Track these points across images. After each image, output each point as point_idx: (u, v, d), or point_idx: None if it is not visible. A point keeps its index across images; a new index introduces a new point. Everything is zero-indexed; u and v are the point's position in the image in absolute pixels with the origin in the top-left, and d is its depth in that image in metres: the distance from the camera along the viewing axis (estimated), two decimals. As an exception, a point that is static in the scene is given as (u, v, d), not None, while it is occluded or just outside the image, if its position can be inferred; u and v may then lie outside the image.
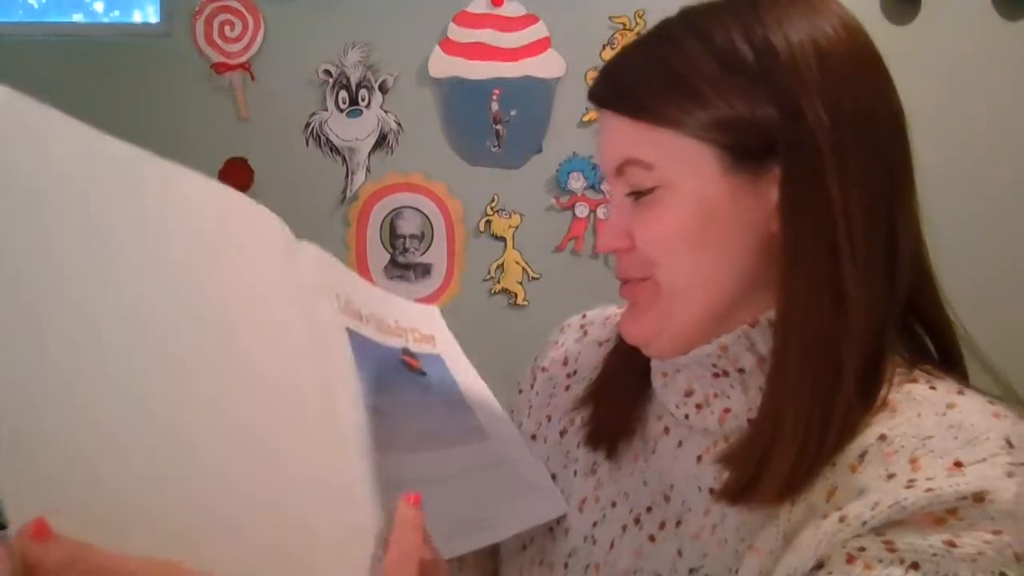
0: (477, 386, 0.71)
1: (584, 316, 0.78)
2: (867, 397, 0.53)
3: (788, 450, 0.52)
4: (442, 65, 2.11)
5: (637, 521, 0.62)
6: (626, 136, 0.58)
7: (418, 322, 0.69)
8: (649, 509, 0.62)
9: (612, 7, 2.10)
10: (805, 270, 0.54)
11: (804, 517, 0.52)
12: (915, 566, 0.47)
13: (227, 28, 2.12)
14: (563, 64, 2.10)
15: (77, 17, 2.26)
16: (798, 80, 0.54)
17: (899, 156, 0.57)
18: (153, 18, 2.19)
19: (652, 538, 0.60)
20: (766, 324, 0.57)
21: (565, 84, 2.11)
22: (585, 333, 0.75)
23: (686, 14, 0.58)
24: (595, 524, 0.64)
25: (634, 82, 0.58)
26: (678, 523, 0.59)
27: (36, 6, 2.24)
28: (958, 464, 0.48)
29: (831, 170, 0.53)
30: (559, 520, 0.67)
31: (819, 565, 0.49)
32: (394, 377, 0.61)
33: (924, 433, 0.50)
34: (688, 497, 0.59)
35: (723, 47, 0.55)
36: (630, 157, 0.57)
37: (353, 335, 0.57)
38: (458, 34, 2.11)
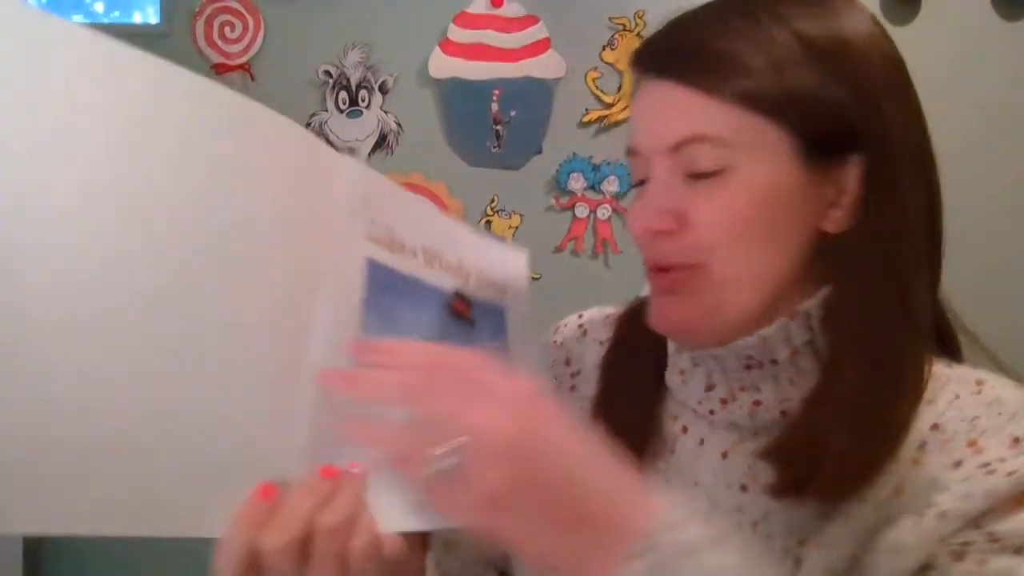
0: (528, 356, 0.64)
1: (580, 316, 0.77)
2: (917, 392, 0.54)
3: (845, 445, 0.52)
4: (442, 65, 2.11)
5: None
6: (694, 110, 0.54)
7: (493, 265, 0.61)
8: None
9: (612, 8, 2.10)
10: (877, 271, 0.54)
11: (876, 514, 0.52)
12: (1019, 551, 0.48)
13: (227, 29, 2.12)
14: (563, 65, 2.10)
15: (77, 18, 2.25)
16: (870, 73, 0.54)
17: (934, 164, 0.58)
18: (153, 19, 2.19)
19: None
20: (804, 317, 0.56)
21: (565, 85, 2.11)
22: (584, 333, 0.75)
23: None
24: None
25: (706, 52, 0.54)
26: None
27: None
28: (1016, 440, 0.50)
29: (907, 171, 0.54)
30: None
31: (923, 566, 0.49)
32: (428, 321, 0.55)
33: (970, 414, 0.52)
34: (715, 494, 0.58)
35: (801, 28, 0.54)
36: (697, 133, 0.54)
37: (376, 268, 0.52)
38: (458, 35, 2.11)
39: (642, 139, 0.57)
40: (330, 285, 0.49)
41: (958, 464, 0.50)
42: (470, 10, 2.11)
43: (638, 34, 2.07)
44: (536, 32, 2.11)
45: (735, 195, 0.53)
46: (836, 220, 0.56)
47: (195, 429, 0.43)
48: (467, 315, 0.58)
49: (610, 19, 2.10)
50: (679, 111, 0.54)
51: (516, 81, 2.11)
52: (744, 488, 0.57)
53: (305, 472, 0.46)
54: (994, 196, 2.04)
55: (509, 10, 2.11)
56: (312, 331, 0.48)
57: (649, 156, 0.57)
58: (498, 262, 0.62)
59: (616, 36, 2.10)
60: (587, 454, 0.45)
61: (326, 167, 0.51)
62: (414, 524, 0.49)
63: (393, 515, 0.48)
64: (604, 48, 2.10)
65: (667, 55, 0.56)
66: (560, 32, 2.11)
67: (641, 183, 0.59)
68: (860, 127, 0.54)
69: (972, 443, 0.51)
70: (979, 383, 0.54)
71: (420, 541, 0.57)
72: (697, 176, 0.54)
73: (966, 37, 2.05)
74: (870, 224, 0.54)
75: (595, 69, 2.10)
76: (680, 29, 0.57)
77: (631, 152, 0.59)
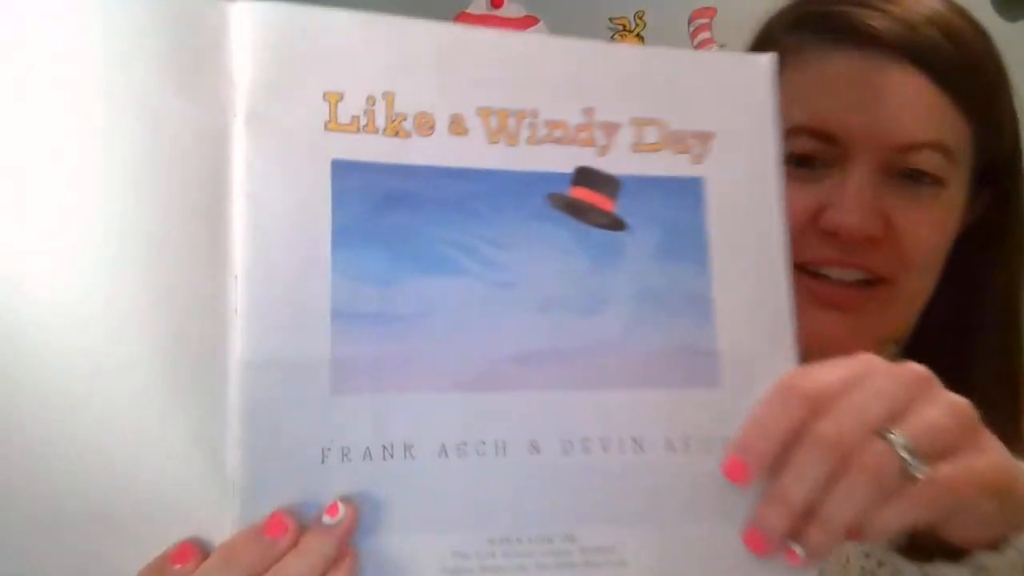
0: (761, 266, 0.36)
1: None
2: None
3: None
4: (442, 66, 2.11)
5: None
6: (941, 115, 0.50)
7: (681, 98, 0.35)
8: None
9: (612, 8, 2.10)
10: (1000, 300, 0.55)
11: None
12: None
13: (227, 29, 2.12)
14: (563, 65, 2.11)
15: (77, 18, 2.26)
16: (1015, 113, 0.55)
17: None
18: (153, 19, 2.19)
19: None
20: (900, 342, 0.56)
21: (565, 85, 2.11)
22: None
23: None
24: None
25: (962, 55, 0.50)
26: None
27: (36, 7, 2.24)
28: None
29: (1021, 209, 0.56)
30: None
31: None
32: (512, 235, 0.33)
33: None
34: None
35: (997, 55, 0.53)
36: (938, 141, 0.49)
37: (353, 172, 0.33)
38: (458, 35, 2.11)
39: (857, 126, 0.48)
40: (250, 220, 0.33)
41: None
42: (470, 10, 2.11)
43: (638, 34, 2.07)
44: (536, 32, 2.11)
45: (943, 211, 0.51)
46: None
47: (86, 465, 0.33)
48: (602, 209, 0.34)
49: (610, 19, 2.10)
50: (925, 112, 0.49)
51: (516, 81, 2.11)
52: None
53: (239, 525, 0.32)
54: (994, 196, 2.05)
55: (509, 10, 2.11)
56: (238, 300, 0.33)
57: (855, 143, 0.49)
58: (696, 88, 0.36)
59: (616, 36, 2.10)
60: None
61: (189, 40, 0.33)
62: None
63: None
64: (604, 48, 2.10)
65: (918, 42, 0.49)
66: (560, 32, 2.10)
67: (802, 162, 0.51)
68: (1000, 164, 0.54)
69: None
70: None
71: None
72: (908, 182, 0.50)
73: (966, 37, 2.06)
74: (1000, 254, 0.55)
75: (595, 69, 2.10)
76: (918, 13, 0.50)
77: (818, 133, 0.50)
